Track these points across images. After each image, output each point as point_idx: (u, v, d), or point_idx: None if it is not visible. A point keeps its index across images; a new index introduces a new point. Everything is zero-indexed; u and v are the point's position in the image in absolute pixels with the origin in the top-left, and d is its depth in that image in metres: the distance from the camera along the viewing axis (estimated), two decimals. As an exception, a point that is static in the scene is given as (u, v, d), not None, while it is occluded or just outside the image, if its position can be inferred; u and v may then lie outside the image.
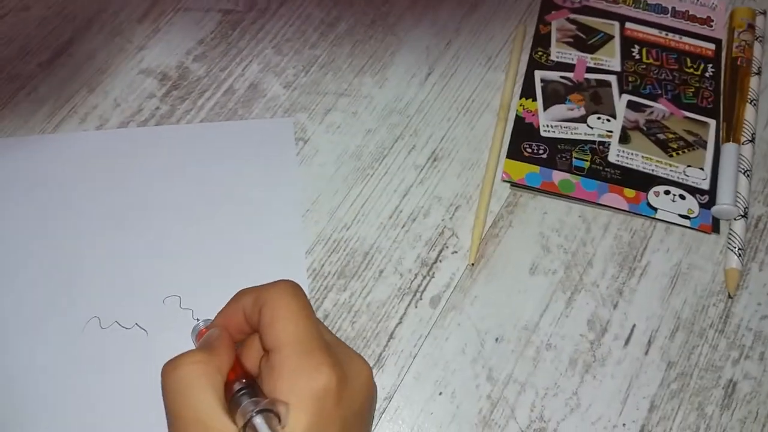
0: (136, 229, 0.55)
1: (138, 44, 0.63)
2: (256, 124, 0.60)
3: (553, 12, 0.66)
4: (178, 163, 0.58)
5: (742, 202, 0.56)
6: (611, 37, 0.65)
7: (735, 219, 0.56)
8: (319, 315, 0.52)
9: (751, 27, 0.64)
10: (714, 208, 0.56)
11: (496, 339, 0.52)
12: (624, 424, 0.49)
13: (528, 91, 0.61)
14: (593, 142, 0.59)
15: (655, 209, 0.56)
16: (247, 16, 0.65)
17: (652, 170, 0.58)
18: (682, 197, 0.56)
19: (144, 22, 0.64)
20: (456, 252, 0.55)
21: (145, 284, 0.53)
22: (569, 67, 0.63)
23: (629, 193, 0.56)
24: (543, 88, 0.61)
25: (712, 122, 0.60)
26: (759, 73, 0.63)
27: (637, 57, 0.64)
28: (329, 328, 0.50)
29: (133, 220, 0.55)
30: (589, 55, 0.64)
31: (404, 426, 0.49)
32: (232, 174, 0.58)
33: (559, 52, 0.64)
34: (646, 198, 0.56)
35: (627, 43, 0.64)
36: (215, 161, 0.58)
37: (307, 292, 0.48)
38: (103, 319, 0.51)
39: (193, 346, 0.43)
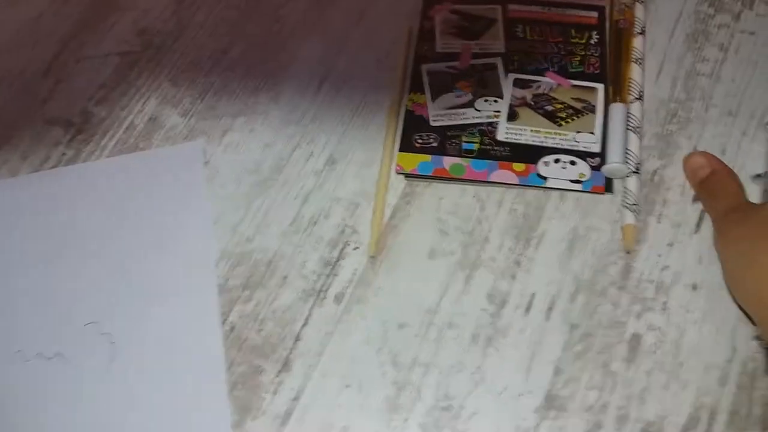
0: (55, 262, 0.58)
1: (43, 97, 0.65)
2: (164, 152, 0.62)
3: (435, 6, 0.67)
4: (92, 197, 0.61)
5: (633, 159, 0.56)
6: (494, 21, 0.66)
7: (627, 176, 0.56)
8: (226, 327, 0.53)
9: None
10: (604, 168, 0.57)
11: (400, 326, 0.52)
12: (530, 392, 0.50)
13: (416, 86, 0.63)
14: (482, 124, 0.60)
15: (545, 178, 0.57)
16: (143, 55, 0.67)
17: (542, 142, 0.59)
18: (573, 163, 0.57)
19: (48, 76, 0.66)
20: (357, 248, 0.56)
21: (65, 313, 0.55)
22: (455, 57, 0.64)
23: (519, 167, 0.58)
24: (430, 80, 0.63)
25: (600, 87, 0.61)
26: (643, 33, 0.64)
27: (521, 36, 0.65)
28: (236, 339, 0.54)
29: (52, 254, 0.58)
30: (474, 42, 0.65)
31: (313, 423, 0.51)
32: (143, 201, 0.60)
33: (444, 43, 0.65)
34: (536, 169, 0.57)
35: (511, 24, 0.66)
36: (127, 191, 0.61)
37: (215, 307, 0.53)
38: (26, 351, 0.53)
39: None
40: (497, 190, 0.58)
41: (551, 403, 0.49)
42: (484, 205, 0.57)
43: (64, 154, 0.63)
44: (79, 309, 0.55)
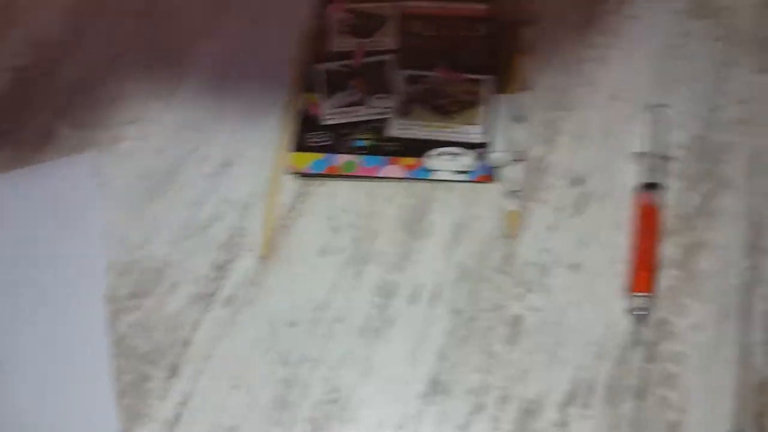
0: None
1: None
2: (55, 166, 0.61)
3: (330, 5, 0.67)
4: None
5: (517, 148, 0.57)
6: (388, 18, 0.66)
7: (511, 164, 0.57)
8: (114, 337, 0.53)
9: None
10: (488, 157, 0.57)
11: (290, 324, 0.53)
12: (416, 379, 0.51)
13: (310, 85, 0.63)
14: (374, 121, 0.60)
15: (432, 171, 0.57)
16: (37, 68, 0.67)
17: (432, 136, 0.59)
18: (459, 154, 0.58)
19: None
20: (250, 250, 0.56)
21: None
22: (349, 55, 0.64)
23: (408, 161, 0.58)
24: (325, 79, 0.63)
25: (490, 78, 0.62)
26: (530, 23, 0.64)
27: (414, 32, 0.65)
28: (124, 348, 0.54)
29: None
30: (367, 40, 0.65)
31: (202, 426, 0.51)
32: (34, 214, 0.60)
33: (339, 42, 0.66)
34: (423, 163, 0.57)
35: (404, 21, 0.66)
36: (18, 205, 0.61)
37: (103, 317, 0.54)
38: None
39: None
40: (388, 185, 0.58)
41: (435, 388, 0.50)
42: (375, 200, 0.58)
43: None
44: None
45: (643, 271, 0.51)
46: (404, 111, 0.61)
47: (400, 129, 0.60)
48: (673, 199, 0.55)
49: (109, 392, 0.51)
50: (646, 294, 0.50)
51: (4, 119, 0.65)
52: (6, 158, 0.63)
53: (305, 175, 0.59)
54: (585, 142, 0.59)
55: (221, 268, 0.55)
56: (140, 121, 0.63)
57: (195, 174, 0.60)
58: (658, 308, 0.51)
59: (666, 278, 0.52)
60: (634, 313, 0.50)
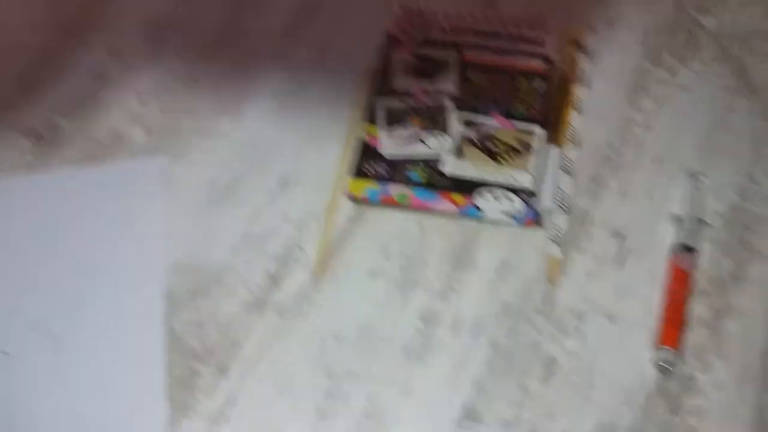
0: (12, 267, 0.61)
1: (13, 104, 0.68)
2: (126, 166, 0.65)
3: (396, 48, 0.72)
4: (53, 204, 0.65)
5: (564, 198, 0.61)
6: (449, 64, 0.71)
7: (556, 213, 0.61)
8: (170, 333, 0.56)
9: (578, 44, 0.70)
10: (536, 204, 0.61)
11: (336, 339, 0.56)
12: (452, 405, 0.54)
13: (372, 117, 0.67)
14: (430, 158, 0.64)
15: (482, 210, 0.61)
16: (115, 73, 0.71)
17: (483, 178, 0.63)
18: (509, 198, 0.62)
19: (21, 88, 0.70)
20: (303, 265, 0.59)
21: (13, 310, 0.58)
22: (410, 94, 0.69)
23: (458, 198, 0.62)
24: (384, 114, 0.67)
25: (541, 130, 0.66)
26: (585, 83, 0.68)
27: (473, 79, 0.70)
28: (178, 343, 0.57)
29: (8, 258, 0.61)
30: (428, 81, 0.69)
31: (244, 426, 0.54)
32: (101, 210, 0.64)
33: (401, 80, 0.70)
34: (474, 201, 0.61)
35: (464, 67, 0.70)
36: (86, 201, 0.65)
37: (161, 313, 0.57)
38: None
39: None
40: (439, 219, 0.62)
41: (470, 415, 0.52)
42: (425, 232, 0.61)
43: (30, 164, 0.65)
44: (26, 307, 0.58)
45: (673, 328, 0.54)
46: (458, 151, 0.64)
47: (453, 168, 0.63)
48: (706, 263, 0.58)
49: (161, 384, 0.54)
50: (673, 349, 0.53)
51: (80, 117, 0.68)
52: (79, 153, 0.66)
53: (361, 201, 0.62)
54: (628, 199, 0.62)
55: (275, 279, 0.59)
56: (210, 135, 0.66)
57: (256, 188, 0.63)
58: (685, 364, 0.54)
59: (694, 336, 0.56)
60: (661, 365, 0.53)
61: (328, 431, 0.52)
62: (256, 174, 0.64)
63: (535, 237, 0.60)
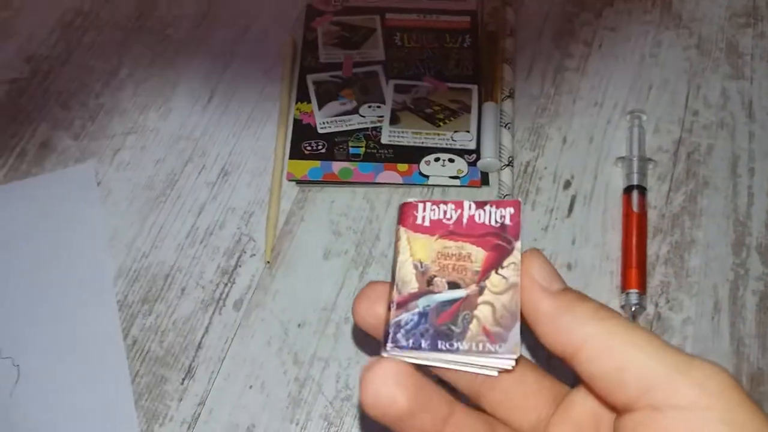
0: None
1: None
2: (56, 176, 0.62)
3: (317, 18, 0.70)
4: None
5: (506, 153, 0.60)
6: (373, 31, 0.69)
7: (501, 169, 0.60)
8: (129, 341, 0.54)
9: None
10: (479, 163, 0.60)
11: (299, 325, 0.55)
12: (424, 375, 0.52)
13: (303, 95, 0.66)
14: (367, 129, 0.63)
15: (427, 176, 0.60)
16: (32, 81, 0.68)
17: (422, 143, 0.62)
18: (451, 160, 0.61)
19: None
20: (254, 255, 0.58)
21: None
22: (338, 67, 0.67)
23: (402, 167, 0.61)
24: (315, 90, 0.66)
25: (474, 87, 0.65)
26: (512, 35, 0.68)
27: (399, 43, 0.69)
28: (139, 352, 0.55)
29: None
30: (355, 52, 0.68)
31: (219, 424, 0.52)
32: (38, 226, 0.61)
33: (326, 54, 0.68)
34: (418, 168, 0.60)
35: (389, 32, 0.69)
36: (20, 217, 0.61)
37: (116, 323, 0.54)
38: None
39: None
40: (384, 190, 0.61)
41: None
42: (374, 205, 0.60)
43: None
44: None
45: (635, 270, 0.54)
46: (394, 119, 0.63)
47: (391, 136, 0.62)
48: (658, 200, 0.58)
49: (129, 395, 0.52)
50: (639, 291, 0.53)
51: (2, 132, 0.64)
52: (6, 169, 0.63)
53: (303, 182, 0.61)
54: (570, 147, 0.62)
55: (227, 273, 0.57)
56: (138, 132, 0.64)
57: (195, 182, 0.61)
58: (652, 304, 0.54)
59: (658, 275, 0.55)
60: (629, 309, 0.53)
61: (305, 418, 0.51)
62: (193, 167, 0.62)
63: (483, 196, 0.60)
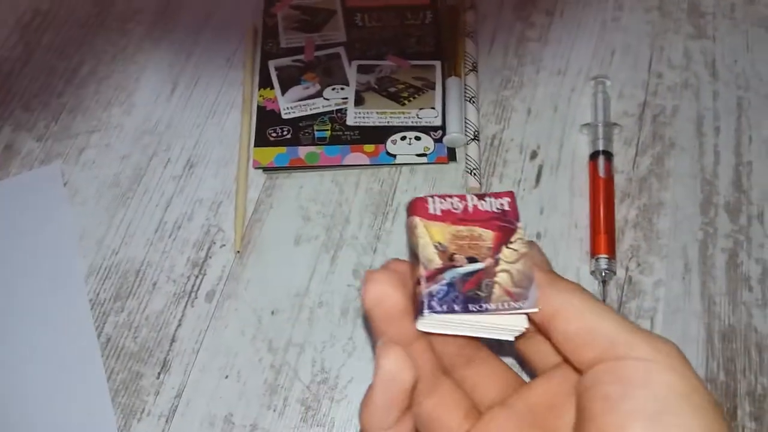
0: None
1: None
2: (21, 179, 0.62)
3: (276, 4, 0.69)
4: None
5: (471, 127, 0.60)
6: (334, 12, 0.69)
7: (467, 144, 0.60)
8: (101, 340, 0.54)
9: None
10: (445, 139, 0.60)
11: (272, 312, 0.55)
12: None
13: (265, 82, 0.65)
14: (331, 112, 0.63)
15: (394, 156, 0.60)
16: (-9, 87, 0.67)
17: (388, 122, 0.62)
18: (418, 138, 0.61)
19: None
20: (224, 245, 0.58)
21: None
22: (300, 51, 0.67)
23: (369, 148, 0.61)
24: (278, 75, 0.65)
25: (438, 63, 0.65)
26: (473, 8, 0.67)
27: (360, 24, 0.68)
28: (113, 349, 0.56)
29: None
30: (316, 35, 0.67)
31: (197, 416, 0.52)
32: (5, 230, 0.60)
33: (288, 38, 0.68)
34: (385, 148, 0.60)
35: (349, 13, 0.69)
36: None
37: (89, 321, 0.54)
38: None
39: None
40: (353, 173, 0.60)
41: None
42: (342, 188, 0.60)
43: None
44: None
45: (604, 235, 0.54)
46: (359, 100, 0.63)
47: (357, 118, 0.62)
48: (625, 164, 0.58)
49: (106, 392, 0.52)
50: (608, 256, 0.53)
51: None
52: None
53: (270, 169, 0.60)
54: (535, 117, 0.61)
55: (197, 266, 0.57)
56: (102, 130, 0.64)
57: (161, 176, 0.61)
58: (623, 269, 0.54)
59: (627, 240, 0.55)
60: (599, 274, 0.53)
61: (282, 404, 0.51)
62: (158, 161, 0.61)
63: (451, 172, 0.59)
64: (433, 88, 0.63)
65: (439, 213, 0.36)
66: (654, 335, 0.32)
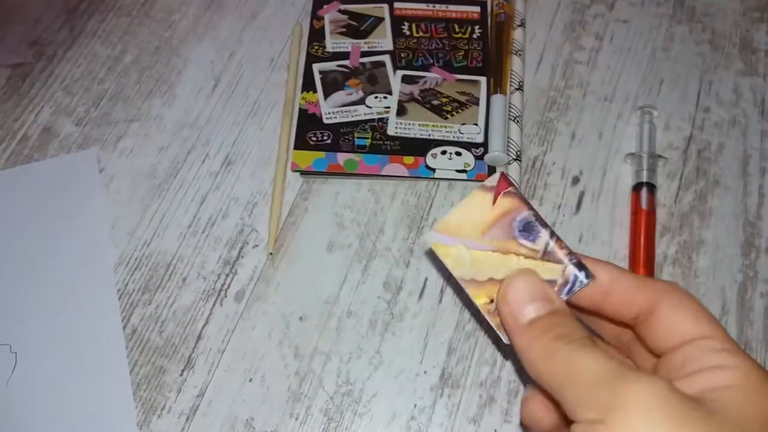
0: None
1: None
2: (58, 162, 0.62)
3: (324, 6, 0.69)
4: None
5: (514, 147, 0.59)
6: (381, 20, 0.68)
7: (509, 164, 0.59)
8: (127, 331, 0.54)
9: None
10: (486, 157, 0.59)
11: (300, 318, 0.54)
12: (425, 372, 0.52)
13: (309, 85, 0.65)
14: (373, 120, 0.62)
15: (433, 170, 0.59)
16: (36, 66, 0.67)
17: (429, 135, 0.61)
18: (458, 154, 0.60)
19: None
20: (257, 246, 0.57)
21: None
22: (345, 56, 0.66)
23: (409, 160, 0.60)
24: (322, 79, 0.65)
25: (483, 79, 0.64)
26: (522, 25, 0.67)
27: (408, 33, 0.68)
28: (138, 341, 0.55)
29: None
30: (363, 41, 0.67)
31: (218, 417, 0.51)
32: (39, 212, 0.60)
33: (334, 43, 0.67)
34: (424, 161, 0.59)
35: (397, 22, 0.68)
36: (22, 202, 0.60)
37: (115, 311, 0.54)
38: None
39: None
40: (390, 183, 0.60)
41: (446, 381, 0.51)
42: (379, 197, 0.59)
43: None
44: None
45: (642, 269, 0.53)
46: (401, 110, 0.62)
47: (398, 128, 0.62)
48: (667, 198, 0.57)
49: (128, 385, 0.52)
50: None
51: (2, 115, 0.64)
52: (8, 154, 0.62)
53: (308, 173, 0.60)
54: (579, 142, 0.61)
55: (229, 264, 0.56)
56: (141, 119, 0.63)
57: (197, 172, 0.61)
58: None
59: (665, 275, 0.54)
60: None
61: (304, 413, 0.50)
62: (196, 156, 0.61)
63: (491, 190, 0.58)
64: (477, 104, 0.63)
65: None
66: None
